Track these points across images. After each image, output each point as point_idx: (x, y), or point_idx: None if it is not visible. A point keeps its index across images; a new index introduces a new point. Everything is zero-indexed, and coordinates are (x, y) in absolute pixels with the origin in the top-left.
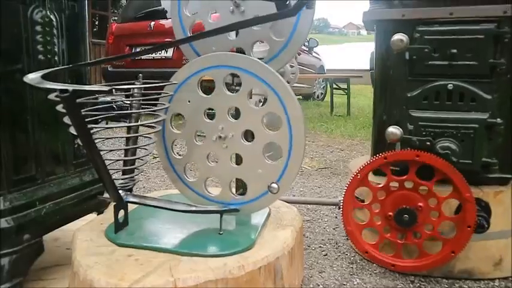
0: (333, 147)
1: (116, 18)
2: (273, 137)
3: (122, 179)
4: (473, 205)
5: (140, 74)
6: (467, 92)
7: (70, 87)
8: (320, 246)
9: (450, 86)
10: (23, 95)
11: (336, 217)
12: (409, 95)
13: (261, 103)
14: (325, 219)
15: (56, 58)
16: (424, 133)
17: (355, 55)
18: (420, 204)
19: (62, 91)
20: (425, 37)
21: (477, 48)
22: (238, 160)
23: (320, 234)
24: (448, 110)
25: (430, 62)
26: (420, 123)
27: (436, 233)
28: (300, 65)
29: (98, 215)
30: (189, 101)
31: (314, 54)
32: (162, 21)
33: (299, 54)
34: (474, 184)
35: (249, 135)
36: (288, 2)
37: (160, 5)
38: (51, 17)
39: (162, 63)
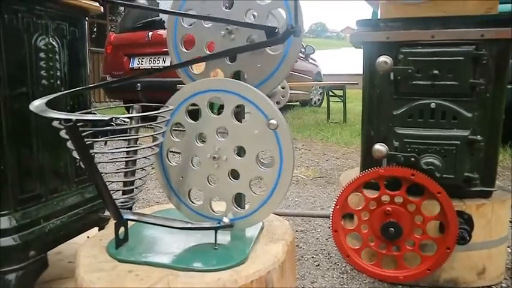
0: (329, 156)
1: (114, 27)
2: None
3: (122, 199)
4: (456, 228)
5: (138, 84)
6: (449, 110)
7: (73, 116)
8: (312, 257)
9: (433, 105)
10: (27, 117)
11: (329, 227)
12: (394, 113)
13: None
14: (319, 230)
15: (59, 82)
16: (409, 149)
17: (352, 59)
18: (406, 220)
19: (66, 121)
20: (409, 58)
21: (458, 69)
22: (235, 175)
23: (313, 244)
24: (431, 127)
25: (414, 82)
26: (405, 139)
27: (416, 250)
28: (297, 72)
29: (99, 230)
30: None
31: (311, 60)
32: (160, 31)
33: (296, 61)
34: (457, 197)
35: (241, 152)
36: (276, 30)
37: (158, 15)
38: (54, 43)
39: (161, 73)
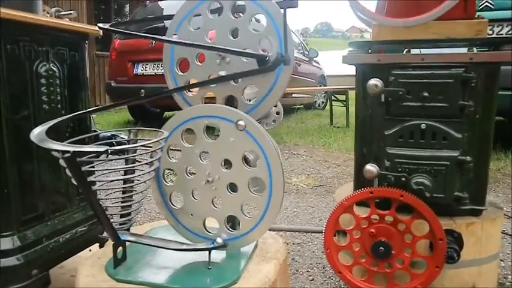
0: (330, 163)
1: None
2: (254, 172)
3: (120, 222)
4: (444, 247)
5: (142, 90)
6: (439, 131)
7: (71, 148)
8: (308, 271)
9: (423, 126)
10: (29, 140)
11: None
12: (386, 133)
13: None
14: (315, 242)
15: (59, 106)
16: (399, 169)
17: None
18: (395, 239)
19: (63, 152)
20: (400, 80)
21: (447, 91)
22: (233, 188)
23: (309, 258)
24: (421, 147)
25: (404, 103)
26: (396, 159)
27: (406, 268)
28: (301, 75)
29: (100, 246)
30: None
31: (314, 63)
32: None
33: (299, 65)
34: (448, 215)
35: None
36: (267, 59)
37: (163, 22)
38: (54, 69)
39: (163, 79)
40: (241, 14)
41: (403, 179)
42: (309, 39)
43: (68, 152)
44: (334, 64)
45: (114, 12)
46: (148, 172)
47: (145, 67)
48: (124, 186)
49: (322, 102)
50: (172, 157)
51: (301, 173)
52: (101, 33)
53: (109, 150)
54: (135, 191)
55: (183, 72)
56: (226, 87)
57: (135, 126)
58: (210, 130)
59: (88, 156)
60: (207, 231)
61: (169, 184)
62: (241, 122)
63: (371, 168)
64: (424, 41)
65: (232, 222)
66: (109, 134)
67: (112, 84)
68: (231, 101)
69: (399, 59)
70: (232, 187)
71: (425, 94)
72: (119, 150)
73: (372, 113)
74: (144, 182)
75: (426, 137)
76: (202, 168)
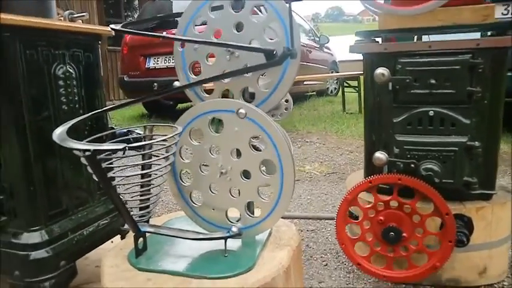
0: (343, 149)
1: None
2: (268, 180)
3: (140, 214)
4: (452, 221)
5: (155, 84)
6: (447, 117)
7: (91, 146)
8: (321, 257)
9: (431, 113)
10: (51, 139)
11: None
12: (394, 121)
13: None
14: (329, 229)
15: (77, 105)
16: (408, 156)
17: None
18: (404, 222)
19: (84, 151)
20: (407, 68)
21: (455, 78)
22: (247, 175)
23: (322, 244)
24: (430, 134)
25: (412, 91)
26: (405, 146)
27: (421, 248)
28: (313, 62)
29: (121, 238)
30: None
31: (326, 50)
32: (174, 31)
33: (310, 52)
34: (458, 200)
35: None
36: (274, 53)
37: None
38: (71, 70)
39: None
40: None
41: (412, 165)
42: (320, 24)
43: (88, 150)
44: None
45: (123, 5)
46: (165, 166)
47: (157, 61)
48: (142, 180)
49: (335, 88)
50: (185, 158)
51: (315, 160)
52: (113, 34)
53: (126, 148)
54: (153, 184)
55: (196, 75)
56: (240, 80)
57: (149, 119)
58: (215, 125)
59: (107, 153)
60: (230, 221)
61: (187, 184)
62: (241, 110)
63: (380, 155)
64: (430, 28)
65: (251, 208)
66: (125, 131)
67: (125, 79)
68: (247, 93)
69: (406, 47)
70: (246, 174)
71: (433, 81)
72: (136, 147)
73: (380, 101)
74: (161, 176)
75: (434, 123)
76: (214, 162)
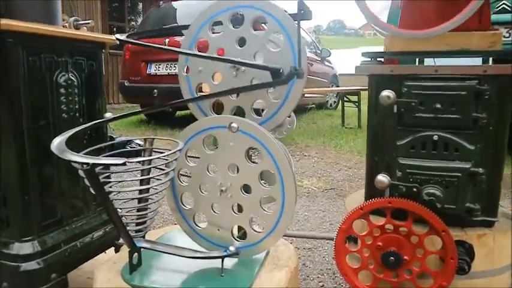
0: (341, 165)
1: (132, 29)
2: (268, 191)
3: (136, 229)
4: (450, 238)
5: (155, 90)
6: (451, 142)
7: (90, 160)
8: (318, 277)
9: (435, 137)
10: (48, 148)
11: None
12: (398, 143)
13: None
14: (326, 247)
15: (77, 114)
16: (411, 180)
17: None
18: (403, 245)
19: (83, 164)
20: (413, 91)
21: (460, 103)
22: (239, 209)
23: (319, 263)
24: (433, 158)
25: (417, 114)
26: (408, 170)
27: (424, 269)
28: (313, 75)
29: (115, 251)
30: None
31: (327, 63)
32: (177, 38)
33: (311, 64)
34: (459, 226)
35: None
36: (281, 71)
37: (176, 23)
38: (73, 78)
39: (177, 79)
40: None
41: (415, 189)
42: (322, 36)
43: (87, 164)
44: (347, 62)
45: (127, 10)
46: (164, 182)
47: (159, 67)
48: (140, 196)
49: (334, 102)
50: (183, 181)
51: (313, 175)
52: (118, 43)
53: (126, 162)
54: (151, 199)
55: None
56: (249, 95)
57: (147, 125)
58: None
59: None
60: (236, 239)
61: (188, 207)
62: (233, 124)
63: (382, 178)
64: (438, 52)
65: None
66: (125, 140)
67: (125, 84)
68: (240, 112)
69: (412, 70)
70: (246, 188)
71: (438, 106)
72: (135, 161)
73: (384, 123)
74: (160, 191)
75: (438, 148)
76: (213, 180)
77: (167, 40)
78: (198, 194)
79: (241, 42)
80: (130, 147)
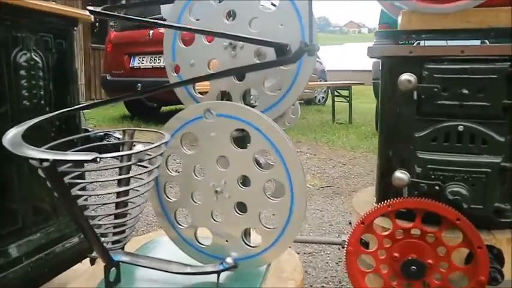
0: (335, 161)
1: (115, 23)
2: (269, 175)
3: (113, 241)
4: (485, 256)
5: (139, 84)
6: (478, 133)
7: (50, 155)
8: (322, 286)
9: (461, 127)
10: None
11: (339, 249)
12: (416, 135)
13: None
14: (328, 251)
15: (43, 102)
16: (432, 177)
17: (356, 55)
18: (429, 258)
19: (41, 161)
20: (435, 75)
21: (490, 88)
22: (242, 209)
23: (323, 270)
24: (458, 152)
25: (439, 102)
26: (428, 166)
27: (446, 284)
28: None
29: (91, 263)
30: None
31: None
32: (162, 30)
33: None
34: (487, 229)
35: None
36: (288, 48)
37: (160, 13)
38: (37, 59)
39: (162, 72)
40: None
41: (437, 187)
42: None
43: (46, 160)
44: (333, 59)
45: None
46: (147, 182)
47: (142, 60)
48: (118, 199)
49: (323, 97)
50: (170, 196)
51: (307, 172)
52: (92, 19)
53: (98, 159)
54: (132, 204)
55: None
56: (242, 82)
57: (131, 121)
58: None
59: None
60: (248, 245)
61: (184, 226)
62: (208, 112)
63: (401, 175)
64: (462, 31)
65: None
66: (102, 134)
67: (107, 78)
68: (248, 96)
69: (435, 51)
70: (244, 182)
71: (464, 91)
72: (111, 157)
73: (401, 112)
74: (142, 194)
75: (464, 140)
76: (203, 184)
77: (151, 32)
78: (192, 206)
79: (232, 16)
80: (108, 141)
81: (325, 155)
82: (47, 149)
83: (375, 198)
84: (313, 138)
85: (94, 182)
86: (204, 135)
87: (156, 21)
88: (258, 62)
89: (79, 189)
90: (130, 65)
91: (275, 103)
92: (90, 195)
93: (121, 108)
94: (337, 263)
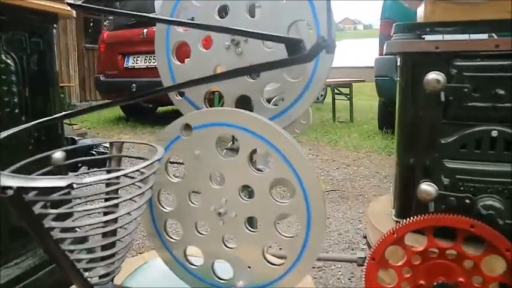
0: (339, 162)
1: (109, 22)
2: (285, 208)
3: (99, 275)
4: None
5: (134, 85)
6: None
7: (15, 180)
8: None
9: (494, 133)
10: None
11: (350, 262)
12: (443, 142)
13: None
14: (339, 265)
15: (17, 111)
16: (462, 188)
17: (353, 52)
18: (458, 276)
19: (3, 189)
20: (465, 74)
21: None
22: (252, 225)
23: None
24: (491, 161)
25: (470, 104)
26: (458, 176)
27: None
28: None
29: None
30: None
31: None
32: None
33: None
34: None
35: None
36: (301, 44)
37: (154, 12)
38: (8, 61)
39: (157, 72)
40: None
41: (468, 201)
42: None
43: (9, 188)
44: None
45: None
46: (138, 207)
47: (137, 60)
48: (104, 230)
49: (321, 95)
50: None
51: None
52: (74, 15)
53: (73, 185)
54: (121, 232)
55: (181, 62)
56: (239, 84)
57: (126, 123)
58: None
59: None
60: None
61: (197, 266)
62: (184, 129)
63: (428, 188)
64: (497, 22)
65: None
66: (90, 142)
67: (101, 79)
68: (245, 101)
69: (465, 46)
70: (248, 192)
71: (499, 92)
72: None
73: (424, 116)
74: (134, 219)
75: (498, 147)
76: (202, 211)
77: (145, 30)
78: (199, 240)
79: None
80: (97, 152)
81: (328, 155)
82: (17, 168)
83: (393, 211)
84: (314, 138)
85: (72, 211)
86: (187, 156)
87: (145, 14)
88: (269, 52)
89: (55, 219)
90: (125, 65)
91: (285, 109)
92: (69, 228)
93: (116, 109)
94: (349, 279)
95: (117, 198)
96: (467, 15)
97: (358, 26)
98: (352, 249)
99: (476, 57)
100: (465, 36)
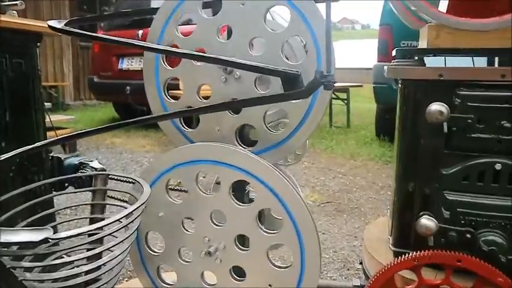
0: (335, 171)
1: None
2: (276, 238)
3: None
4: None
5: (128, 87)
6: None
7: None
8: None
9: (498, 166)
10: None
11: (346, 278)
12: (444, 172)
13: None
14: None
15: None
16: (463, 222)
17: (350, 53)
18: None
19: None
20: (469, 104)
21: None
22: (239, 273)
23: None
24: (494, 194)
25: (473, 135)
26: (459, 209)
27: None
28: None
29: None
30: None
31: None
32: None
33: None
34: None
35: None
36: (299, 78)
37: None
38: None
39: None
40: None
41: (468, 235)
42: None
43: None
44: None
45: (99, 0)
46: (122, 252)
47: (131, 61)
48: (86, 277)
49: None
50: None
51: (305, 184)
52: (60, 34)
53: (49, 240)
54: (103, 278)
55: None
56: (238, 115)
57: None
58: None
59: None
60: None
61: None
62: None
63: (428, 223)
64: (504, 51)
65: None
66: (76, 162)
67: (94, 80)
68: (243, 132)
69: (469, 75)
70: (240, 240)
71: (505, 124)
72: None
73: (425, 145)
74: (119, 263)
75: (502, 180)
76: (194, 253)
77: (141, 32)
78: (179, 264)
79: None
80: (85, 171)
81: (324, 164)
82: None
83: (390, 238)
84: (310, 144)
85: (49, 264)
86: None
87: (135, 41)
88: (258, 90)
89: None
90: (119, 67)
91: (282, 141)
92: (43, 280)
93: (110, 110)
94: None
95: (99, 246)
96: (473, 43)
97: (356, 26)
98: (348, 269)
99: (481, 86)
100: (470, 64)
